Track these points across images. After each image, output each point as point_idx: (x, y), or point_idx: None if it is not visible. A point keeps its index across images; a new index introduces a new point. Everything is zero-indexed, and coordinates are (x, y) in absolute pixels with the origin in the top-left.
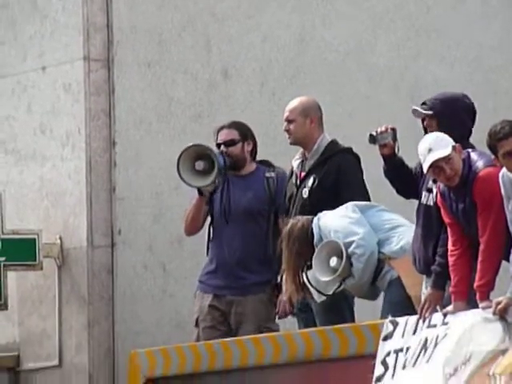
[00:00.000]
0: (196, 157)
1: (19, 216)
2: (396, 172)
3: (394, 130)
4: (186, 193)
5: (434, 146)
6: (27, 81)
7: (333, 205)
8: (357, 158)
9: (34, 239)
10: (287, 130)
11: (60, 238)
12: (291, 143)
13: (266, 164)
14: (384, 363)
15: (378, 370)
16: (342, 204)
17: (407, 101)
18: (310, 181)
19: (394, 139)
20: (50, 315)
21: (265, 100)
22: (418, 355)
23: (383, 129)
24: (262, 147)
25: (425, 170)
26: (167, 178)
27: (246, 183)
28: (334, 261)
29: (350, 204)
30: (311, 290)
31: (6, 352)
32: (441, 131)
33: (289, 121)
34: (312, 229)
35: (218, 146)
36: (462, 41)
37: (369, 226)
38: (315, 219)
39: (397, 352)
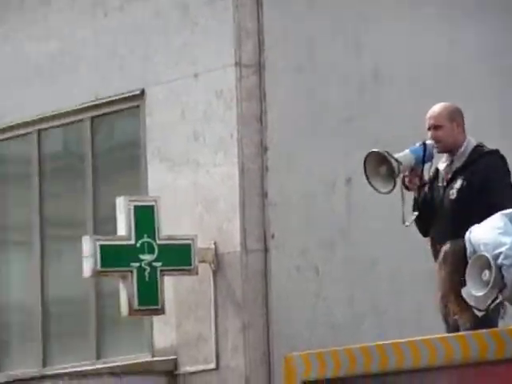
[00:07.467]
0: (377, 162)
1: (174, 222)
2: None
3: None
4: (337, 196)
5: None
6: (180, 88)
7: (481, 204)
8: (503, 160)
9: (189, 244)
10: (435, 138)
11: (214, 243)
12: (439, 152)
13: None
14: None
15: None
16: (490, 203)
17: None
18: (458, 182)
19: None
20: (206, 319)
21: (414, 103)
22: None
23: None
24: None
25: None
26: (319, 182)
27: None
28: (486, 274)
29: (498, 214)
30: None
31: (163, 356)
32: None
33: (435, 127)
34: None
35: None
36: None
37: None
38: (467, 233)
39: None
